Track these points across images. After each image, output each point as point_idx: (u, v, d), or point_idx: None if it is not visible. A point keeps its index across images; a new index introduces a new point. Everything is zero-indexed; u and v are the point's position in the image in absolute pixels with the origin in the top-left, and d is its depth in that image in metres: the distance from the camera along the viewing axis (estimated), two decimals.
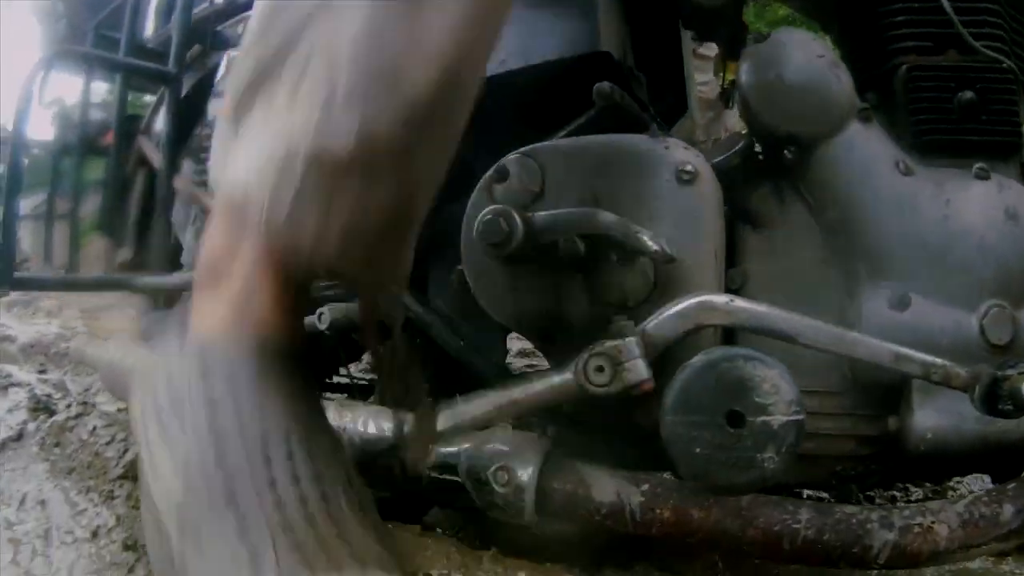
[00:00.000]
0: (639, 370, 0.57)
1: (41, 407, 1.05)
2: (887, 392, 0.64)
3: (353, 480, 0.51)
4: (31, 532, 0.81)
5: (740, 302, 0.60)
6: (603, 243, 0.65)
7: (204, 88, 1.10)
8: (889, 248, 0.65)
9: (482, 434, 0.69)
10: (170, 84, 1.00)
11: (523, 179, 0.69)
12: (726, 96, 1.17)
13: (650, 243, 0.61)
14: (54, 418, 0.99)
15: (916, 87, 0.68)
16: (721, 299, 0.60)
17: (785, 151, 0.68)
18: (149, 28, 1.32)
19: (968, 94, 0.67)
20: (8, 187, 0.94)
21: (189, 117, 1.07)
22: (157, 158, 1.13)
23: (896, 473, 0.66)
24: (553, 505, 0.66)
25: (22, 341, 1.57)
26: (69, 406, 1.02)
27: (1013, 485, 0.57)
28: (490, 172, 0.71)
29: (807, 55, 0.68)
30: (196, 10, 1.13)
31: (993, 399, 0.54)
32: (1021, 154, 0.69)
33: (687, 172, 0.66)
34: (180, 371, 0.51)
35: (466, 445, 0.67)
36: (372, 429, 0.76)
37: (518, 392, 0.63)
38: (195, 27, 1.12)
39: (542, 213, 0.67)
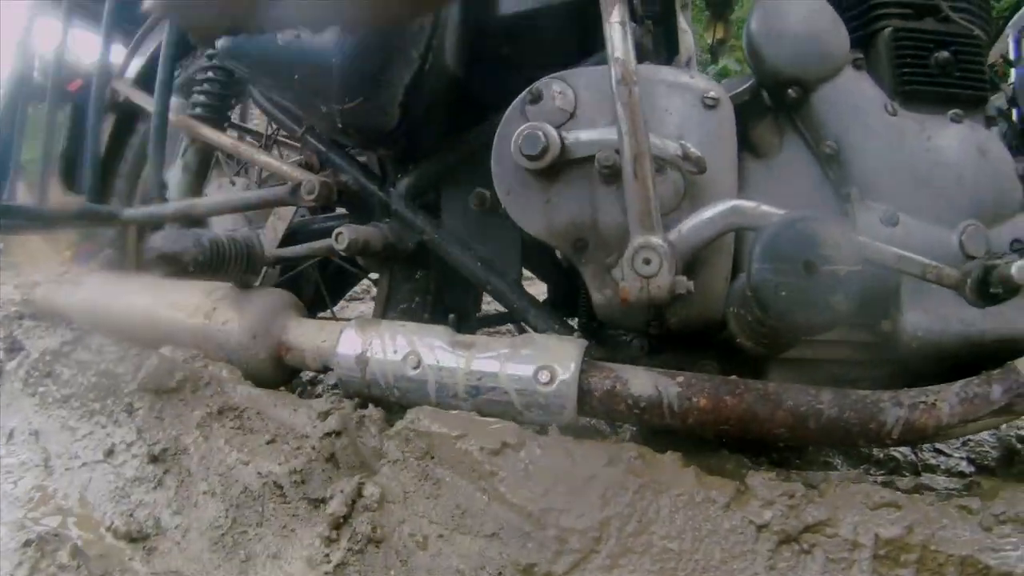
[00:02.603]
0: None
1: (17, 347, 0.97)
2: (878, 302, 0.71)
3: None
4: (28, 462, 0.74)
5: (766, 207, 0.66)
6: None
7: None
8: (880, 174, 0.73)
9: (520, 339, 0.71)
10: None
11: (557, 100, 0.73)
12: (713, 52, 1.27)
13: (689, 152, 0.66)
14: (46, 347, 0.91)
15: (900, 46, 0.78)
16: (750, 204, 0.66)
17: (789, 90, 0.75)
18: None
19: (944, 54, 0.77)
20: (4, 118, 0.91)
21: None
22: (139, 97, 1.09)
23: (886, 378, 0.73)
24: (594, 401, 0.68)
25: None
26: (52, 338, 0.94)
27: (999, 371, 0.65)
28: (524, 94, 0.74)
29: (810, 9, 0.76)
30: None
31: (985, 287, 0.62)
32: (985, 107, 0.79)
33: (711, 98, 0.72)
34: None
35: (504, 350, 0.69)
36: (395, 346, 0.76)
37: None
38: None
39: (577, 130, 0.72)
